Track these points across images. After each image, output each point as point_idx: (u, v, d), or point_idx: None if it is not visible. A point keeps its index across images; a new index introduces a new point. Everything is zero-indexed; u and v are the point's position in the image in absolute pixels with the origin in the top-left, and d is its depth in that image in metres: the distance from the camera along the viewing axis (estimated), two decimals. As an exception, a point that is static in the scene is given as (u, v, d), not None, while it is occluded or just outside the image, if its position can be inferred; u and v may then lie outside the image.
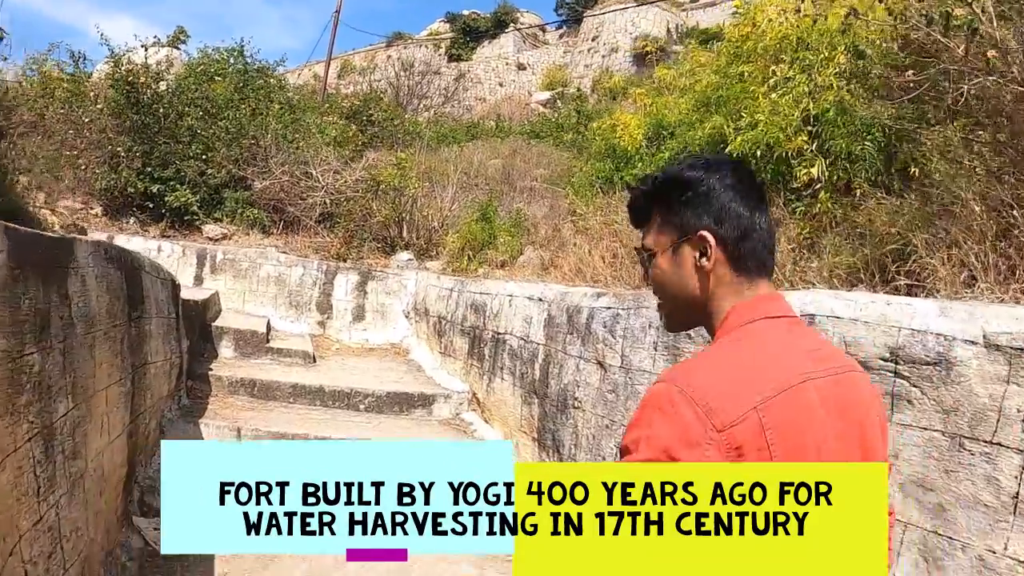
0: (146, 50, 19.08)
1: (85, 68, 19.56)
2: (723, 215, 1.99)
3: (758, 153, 8.55)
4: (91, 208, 17.15)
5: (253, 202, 17.10)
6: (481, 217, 15.58)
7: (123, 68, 17.24)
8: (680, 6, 50.73)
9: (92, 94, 18.01)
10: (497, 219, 15.74)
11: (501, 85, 51.26)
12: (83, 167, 16.62)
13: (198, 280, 15.44)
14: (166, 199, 16.64)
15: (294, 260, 15.69)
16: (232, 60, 21.15)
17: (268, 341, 13.25)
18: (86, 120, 16.66)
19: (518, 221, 15.55)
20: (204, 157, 17.14)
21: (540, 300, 9.87)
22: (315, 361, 13.32)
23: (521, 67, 52.10)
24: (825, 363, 1.92)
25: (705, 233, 1.99)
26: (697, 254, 2.01)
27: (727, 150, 8.78)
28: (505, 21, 54.94)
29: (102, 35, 40.72)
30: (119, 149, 16.63)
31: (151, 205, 16.92)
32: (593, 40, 48.12)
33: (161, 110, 17.25)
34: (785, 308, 2.02)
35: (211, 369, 11.50)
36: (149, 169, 16.80)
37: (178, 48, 24.60)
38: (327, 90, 30.54)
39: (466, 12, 58.26)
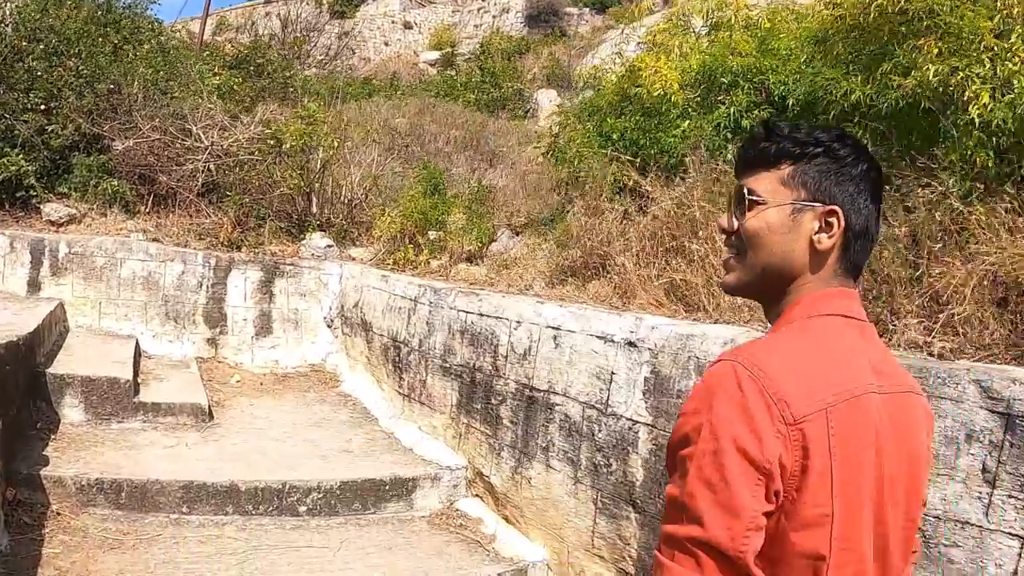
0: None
1: None
2: (858, 204, 1.76)
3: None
4: None
5: (112, 170, 11.89)
6: (430, 188, 10.67)
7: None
8: None
9: None
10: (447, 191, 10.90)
11: (387, 44, 46.49)
12: None
13: (34, 286, 10.28)
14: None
15: (170, 252, 10.55)
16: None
17: (137, 391, 8.24)
18: None
19: (480, 195, 10.71)
20: (46, 108, 11.79)
21: (632, 345, 5.33)
22: (211, 416, 8.37)
23: (408, 26, 47.44)
24: (888, 379, 1.73)
25: (839, 210, 1.74)
26: (817, 226, 1.75)
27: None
28: (390, -22, 49.65)
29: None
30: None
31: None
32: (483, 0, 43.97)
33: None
34: (859, 310, 1.79)
35: (47, 461, 6.53)
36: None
37: None
38: (204, 42, 25.10)
39: (347, -28, 52.90)
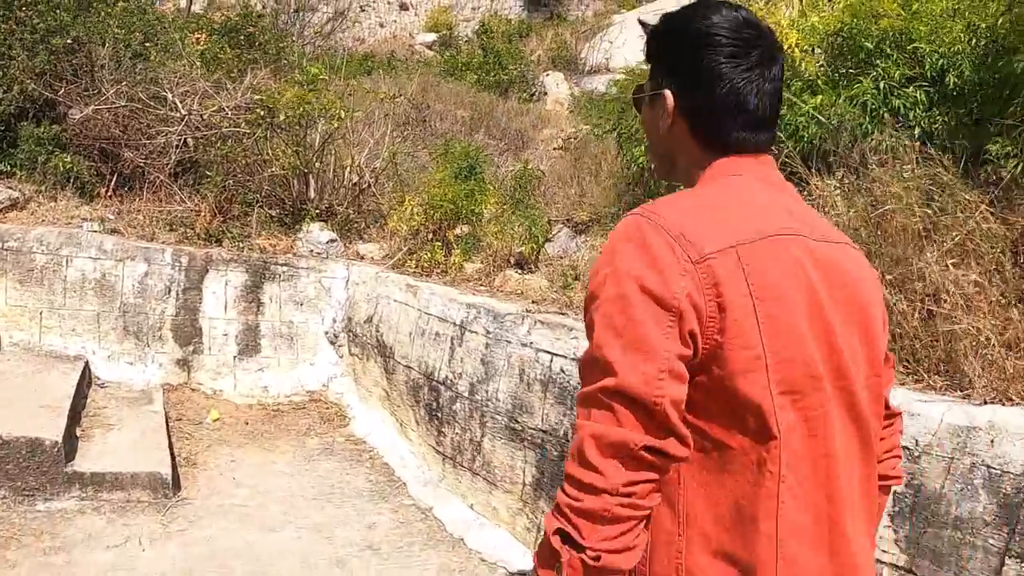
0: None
1: None
2: (701, 76, 1.65)
3: None
4: None
5: (67, 143, 9.34)
6: (463, 171, 8.18)
7: None
8: None
9: None
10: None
11: (382, 26, 43.77)
12: None
13: (-52, 290, 7.64)
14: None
15: (130, 248, 8.00)
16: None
17: (72, 456, 5.77)
18: None
19: (527, 180, 8.26)
20: None
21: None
22: (177, 487, 5.89)
23: (404, 7, 44.79)
24: (817, 231, 1.63)
25: (667, 93, 1.70)
26: (660, 111, 1.72)
27: None
28: (385, -42, 46.96)
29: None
30: None
31: None
32: None
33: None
34: (777, 176, 1.73)
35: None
36: None
37: None
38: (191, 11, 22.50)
39: (340, -50, 50.14)
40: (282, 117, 9.05)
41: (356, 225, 9.31)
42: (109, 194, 9.42)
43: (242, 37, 16.84)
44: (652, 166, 2.12)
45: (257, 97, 9.27)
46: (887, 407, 1.76)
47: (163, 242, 8.33)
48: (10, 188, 9.03)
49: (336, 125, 9.05)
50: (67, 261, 7.77)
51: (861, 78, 5.79)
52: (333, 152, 9.60)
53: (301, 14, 29.23)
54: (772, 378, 1.44)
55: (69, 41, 9.72)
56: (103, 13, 11.24)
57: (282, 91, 9.11)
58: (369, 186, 9.65)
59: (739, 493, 1.47)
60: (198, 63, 10.28)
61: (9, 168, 9.32)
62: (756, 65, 1.63)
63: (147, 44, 11.18)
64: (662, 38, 1.75)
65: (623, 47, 28.07)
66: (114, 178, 9.48)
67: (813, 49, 6.39)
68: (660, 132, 1.73)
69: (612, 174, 9.23)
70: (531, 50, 30.22)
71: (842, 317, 1.55)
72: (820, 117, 5.74)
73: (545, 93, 24.53)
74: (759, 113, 1.65)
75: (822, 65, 6.33)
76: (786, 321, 1.47)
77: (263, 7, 25.40)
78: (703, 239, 1.45)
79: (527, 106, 21.31)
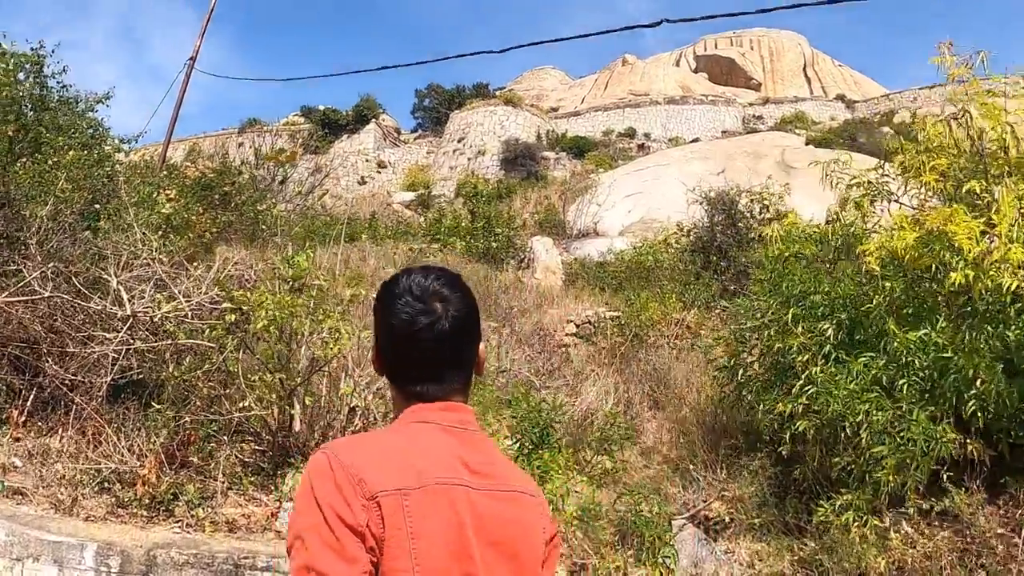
0: None
1: None
2: (392, 328, 1.84)
3: None
4: None
5: (-38, 349, 6.45)
6: (533, 437, 5.41)
7: None
8: (547, 111, 44.17)
9: None
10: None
11: (362, 183, 41.73)
12: None
13: None
14: None
15: (34, 540, 4.96)
16: (16, 69, 10.23)
17: None
18: None
19: (621, 437, 5.53)
20: None
21: None
22: None
23: (382, 165, 42.93)
24: (488, 479, 1.80)
25: (376, 346, 1.92)
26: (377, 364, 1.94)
27: None
28: (367, 116, 45.12)
29: None
30: None
31: None
32: (459, 141, 41.01)
33: None
34: (461, 419, 1.86)
35: None
36: None
37: None
38: (167, 161, 19.85)
39: (322, 107, 48.46)
40: (259, 325, 6.16)
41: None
42: (21, 421, 6.49)
43: (217, 196, 14.23)
44: None
45: (224, 295, 6.40)
46: None
47: (88, 517, 5.38)
48: None
49: (335, 350, 6.17)
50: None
51: None
52: (327, 371, 6.76)
53: (283, 169, 26.66)
54: None
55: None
56: (50, 162, 8.52)
57: (258, 290, 6.21)
58: (370, 412, 6.79)
59: None
60: (153, 237, 7.38)
61: None
62: (430, 326, 1.80)
63: (96, 205, 8.44)
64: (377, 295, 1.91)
65: (612, 209, 25.95)
66: (30, 399, 6.57)
67: None
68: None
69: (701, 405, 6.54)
70: (515, 212, 27.76)
71: (489, 558, 1.73)
72: None
73: (533, 260, 21.59)
74: (437, 367, 1.84)
75: None
76: (432, 556, 1.67)
77: (242, 161, 22.88)
78: (375, 480, 1.65)
79: (519, 277, 18.60)
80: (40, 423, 6.66)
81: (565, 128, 43.68)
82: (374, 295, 1.93)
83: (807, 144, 34.11)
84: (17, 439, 6.46)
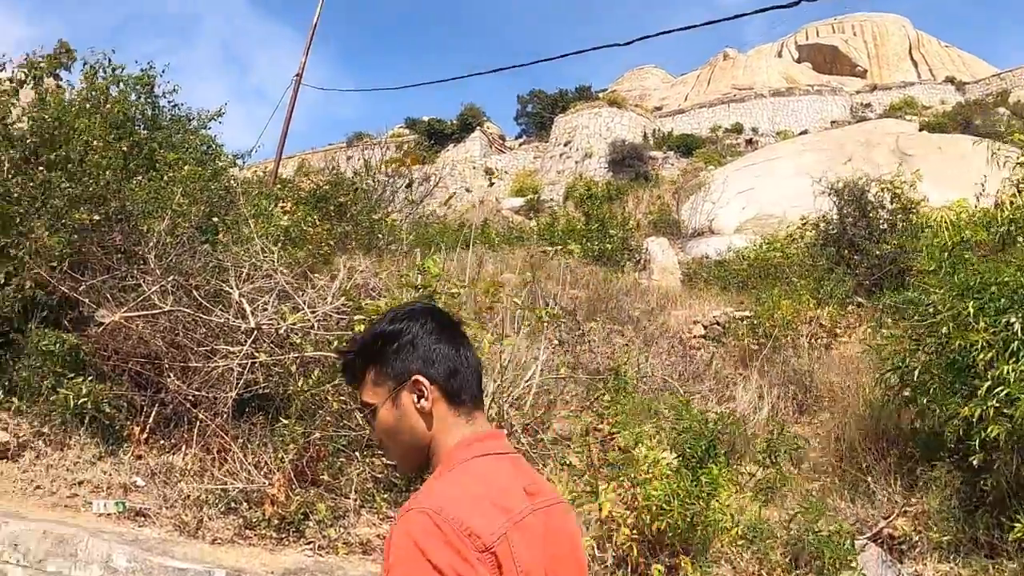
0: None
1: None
2: (431, 356, 1.85)
3: None
4: None
5: (84, 364, 6.12)
6: (698, 450, 4.80)
7: None
8: (651, 111, 43.38)
9: None
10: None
11: (468, 191, 41.44)
12: None
13: None
14: None
15: (157, 567, 4.55)
16: (128, 89, 10.16)
17: None
18: None
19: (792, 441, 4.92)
20: None
21: None
22: None
23: (489, 172, 42.53)
24: (537, 497, 1.81)
25: (418, 376, 1.83)
26: (415, 397, 1.83)
27: None
28: (472, 124, 44.91)
29: None
30: None
31: None
32: (565, 145, 40.52)
33: None
34: (502, 444, 1.87)
35: None
36: None
37: (57, 77, 12.09)
38: (279, 174, 19.87)
39: (426, 118, 48.50)
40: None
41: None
42: (143, 438, 6.16)
43: (332, 207, 13.95)
44: (401, 471, 2.28)
45: (352, 305, 5.95)
46: None
47: (214, 539, 5.00)
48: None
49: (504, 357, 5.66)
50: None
51: None
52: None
53: (392, 180, 26.46)
54: None
55: (97, 218, 6.64)
56: (165, 178, 8.26)
57: (390, 295, 5.76)
58: (518, 431, 6.27)
59: None
60: (273, 248, 7.02)
61: (1, 396, 6.17)
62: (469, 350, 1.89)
63: (213, 219, 8.15)
64: (375, 345, 1.86)
65: (726, 207, 25.09)
66: (152, 415, 6.24)
67: None
68: (412, 423, 1.80)
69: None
70: (628, 213, 27.03)
71: (564, 567, 1.78)
72: None
73: (649, 260, 20.80)
74: (479, 390, 1.87)
75: None
76: None
77: (355, 172, 22.73)
78: (483, 532, 1.59)
79: (636, 278, 17.92)
80: (162, 440, 6.35)
81: (671, 127, 42.70)
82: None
83: (921, 130, 32.79)
84: (139, 457, 6.15)
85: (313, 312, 6.01)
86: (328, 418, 5.72)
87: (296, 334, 5.94)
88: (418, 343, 1.83)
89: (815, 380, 8.85)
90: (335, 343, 5.85)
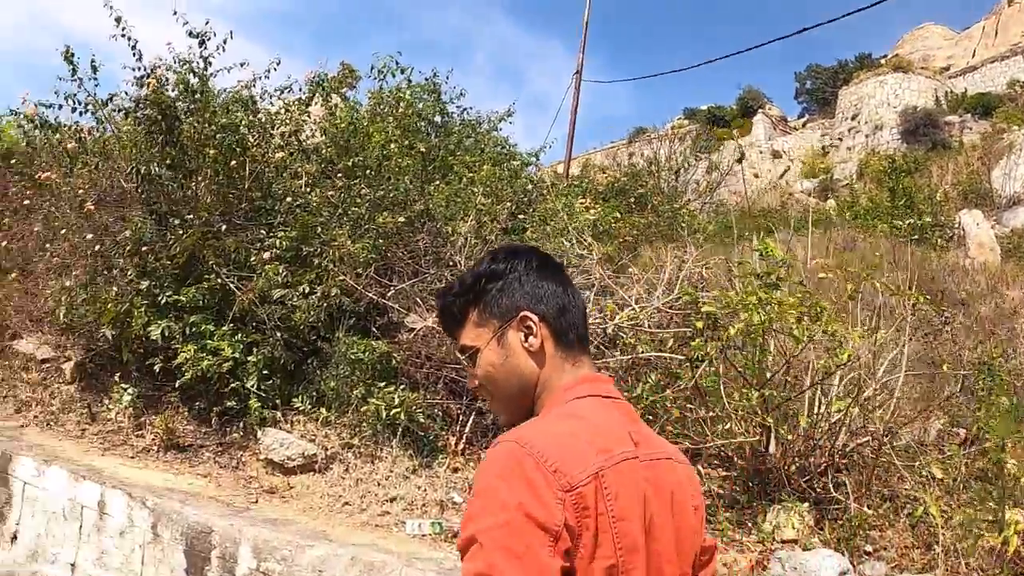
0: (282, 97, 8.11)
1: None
2: (538, 293, 1.76)
3: None
4: (64, 358, 6.99)
5: (396, 372, 5.63)
6: None
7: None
8: (939, 72, 39.53)
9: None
10: None
11: (756, 176, 39.66)
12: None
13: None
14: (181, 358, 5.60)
15: None
16: (415, 97, 9.92)
17: None
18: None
19: None
20: (294, 256, 5.96)
21: None
22: None
23: (776, 155, 40.67)
24: (645, 447, 1.67)
25: (527, 313, 1.73)
26: (523, 335, 1.73)
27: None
28: (752, 108, 43.07)
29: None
30: (108, 244, 5.87)
31: (155, 367, 5.80)
32: (853, 119, 37.86)
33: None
34: (610, 388, 1.75)
35: None
36: (157, 291, 5.71)
37: (344, 97, 12.01)
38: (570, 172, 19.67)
39: (705, 107, 47.11)
40: (735, 331, 4.78)
41: (863, 524, 4.82)
42: (459, 449, 5.61)
43: (632, 199, 13.30)
44: (503, 421, 1.67)
45: (691, 298, 5.07)
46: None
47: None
48: (305, 437, 5.45)
49: (843, 357, 4.64)
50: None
51: None
52: (817, 390, 5.25)
53: (681, 171, 25.55)
54: None
55: (402, 220, 6.16)
56: (463, 179, 7.79)
57: (747, 294, 4.81)
58: (880, 447, 5.18)
59: None
60: (591, 241, 6.32)
61: (306, 405, 5.79)
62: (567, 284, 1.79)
63: (520, 216, 7.58)
64: (478, 285, 1.77)
65: (1045, 168, 22.13)
66: (468, 424, 5.67)
67: None
68: (520, 364, 1.71)
69: None
70: (934, 186, 24.47)
71: (667, 526, 1.62)
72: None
73: (963, 236, 18.54)
74: (585, 331, 1.78)
75: None
76: (632, 538, 1.53)
77: (649, 163, 22.09)
78: (571, 470, 1.47)
79: (950, 256, 16.08)
80: (480, 451, 5.80)
81: (964, 87, 38.13)
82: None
83: None
84: (455, 470, 5.63)
85: (643, 308, 5.20)
86: (668, 428, 4.88)
87: (625, 333, 5.15)
88: (524, 280, 1.76)
89: None
90: (669, 342, 5.01)
